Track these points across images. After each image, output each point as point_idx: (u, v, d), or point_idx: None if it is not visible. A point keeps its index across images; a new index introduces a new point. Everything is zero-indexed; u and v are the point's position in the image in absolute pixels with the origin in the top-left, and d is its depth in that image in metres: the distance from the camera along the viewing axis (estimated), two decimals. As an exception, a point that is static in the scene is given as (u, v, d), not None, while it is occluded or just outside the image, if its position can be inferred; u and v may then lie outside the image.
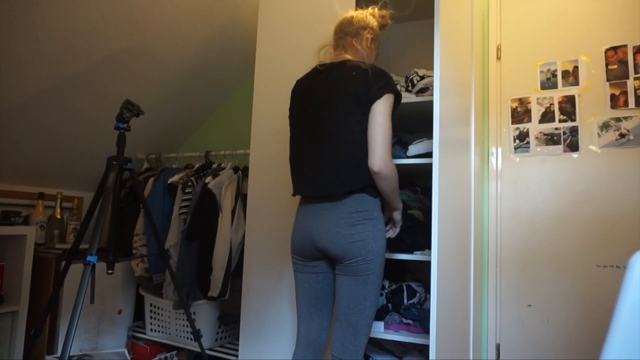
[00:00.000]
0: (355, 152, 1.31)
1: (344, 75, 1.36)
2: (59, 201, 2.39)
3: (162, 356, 2.32)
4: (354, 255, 1.29)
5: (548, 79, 2.07)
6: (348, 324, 1.32)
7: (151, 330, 2.38)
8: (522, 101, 2.11)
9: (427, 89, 1.66)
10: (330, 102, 1.36)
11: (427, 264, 1.37)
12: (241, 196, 2.22)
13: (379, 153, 1.28)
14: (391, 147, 1.33)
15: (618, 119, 1.92)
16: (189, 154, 2.64)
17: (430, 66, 1.47)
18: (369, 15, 1.49)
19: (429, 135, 1.45)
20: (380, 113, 1.30)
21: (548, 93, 2.07)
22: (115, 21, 1.96)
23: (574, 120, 2.00)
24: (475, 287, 1.84)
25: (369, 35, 1.47)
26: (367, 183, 1.32)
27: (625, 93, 1.92)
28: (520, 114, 2.11)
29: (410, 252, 1.58)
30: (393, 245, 1.60)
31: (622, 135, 1.91)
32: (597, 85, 1.97)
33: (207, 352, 2.15)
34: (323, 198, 1.35)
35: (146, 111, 1.84)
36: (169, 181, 2.37)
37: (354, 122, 1.32)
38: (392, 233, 1.52)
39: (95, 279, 1.54)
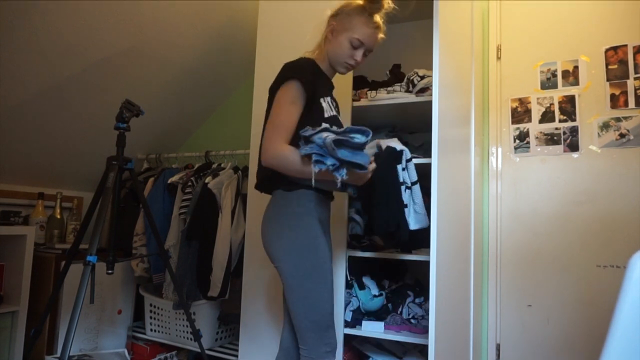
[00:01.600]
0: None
1: None
2: (58, 201, 2.39)
3: (162, 356, 2.32)
4: (268, 255, 1.29)
5: (548, 79, 2.07)
6: (295, 328, 1.28)
7: (151, 330, 2.38)
8: (522, 101, 2.11)
9: (427, 89, 1.66)
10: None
11: (426, 264, 1.37)
12: (241, 196, 2.22)
13: (263, 146, 1.25)
14: (283, 135, 1.24)
15: (618, 119, 1.92)
16: (189, 154, 2.64)
17: (430, 66, 1.47)
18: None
19: (428, 135, 1.45)
20: (275, 103, 1.29)
21: (548, 93, 2.07)
22: (115, 21, 1.96)
23: (574, 120, 2.00)
24: (475, 287, 1.84)
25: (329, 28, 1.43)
26: (273, 178, 1.29)
27: (625, 93, 1.92)
28: (520, 113, 2.11)
29: (409, 252, 1.58)
30: (393, 243, 1.59)
31: (622, 135, 1.91)
32: (597, 85, 1.97)
33: (207, 352, 2.15)
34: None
35: (146, 111, 1.84)
36: (169, 181, 2.37)
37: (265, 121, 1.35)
38: (352, 192, 1.40)
39: (95, 279, 1.54)
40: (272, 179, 1.30)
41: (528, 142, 2.08)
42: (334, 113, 1.37)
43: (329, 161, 1.14)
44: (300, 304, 1.23)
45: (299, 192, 1.27)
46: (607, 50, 1.97)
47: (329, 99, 1.37)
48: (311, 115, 1.28)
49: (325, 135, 1.14)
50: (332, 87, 1.46)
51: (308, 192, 1.27)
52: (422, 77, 1.67)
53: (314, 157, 1.14)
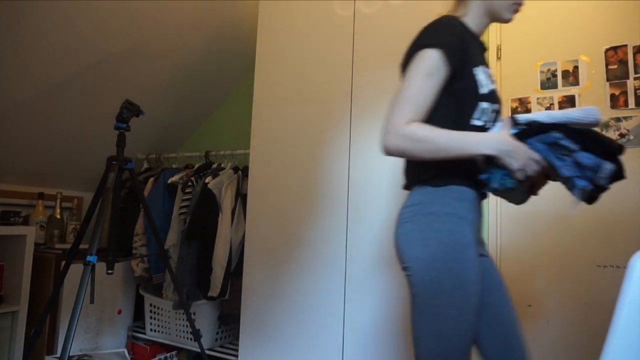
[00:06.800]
0: None
1: None
2: (58, 201, 2.39)
3: (162, 356, 2.32)
4: (399, 259, 1.02)
5: (548, 79, 2.07)
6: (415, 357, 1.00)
7: (151, 330, 2.38)
8: (522, 101, 2.11)
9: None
10: None
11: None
12: (241, 196, 2.22)
13: (382, 130, 0.96)
14: (409, 112, 0.95)
15: (618, 119, 1.92)
16: (189, 154, 2.64)
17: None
18: None
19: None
20: (406, 76, 1.00)
21: (548, 93, 2.07)
22: (115, 21, 1.96)
23: (574, 120, 2.00)
24: (475, 287, 1.84)
25: None
26: (422, 174, 1.03)
27: (625, 93, 1.92)
28: (521, 114, 2.11)
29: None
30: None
31: (622, 135, 1.91)
32: (597, 85, 1.97)
33: (207, 352, 2.15)
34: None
35: (146, 111, 1.84)
36: (169, 181, 2.37)
37: None
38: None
39: (95, 279, 1.54)
40: (413, 171, 1.06)
41: (528, 142, 2.08)
42: (493, 87, 1.09)
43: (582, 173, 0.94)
44: (424, 328, 0.95)
45: (448, 188, 1.01)
46: (607, 50, 1.97)
47: (482, 67, 1.08)
48: (461, 93, 1.02)
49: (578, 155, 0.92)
50: (484, 49, 1.18)
51: (461, 188, 1.01)
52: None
53: (575, 176, 0.93)
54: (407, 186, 1.09)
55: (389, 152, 0.96)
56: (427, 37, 1.01)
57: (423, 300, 0.95)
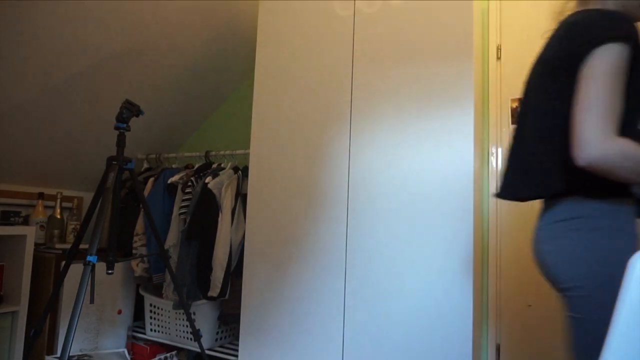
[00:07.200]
0: (547, 141, 0.97)
1: (554, 34, 1.01)
2: (58, 201, 2.39)
3: (162, 356, 2.32)
4: (554, 279, 0.94)
5: (548, 79, 2.07)
6: None
7: (151, 330, 2.38)
8: (522, 101, 2.11)
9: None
10: (533, 76, 1.05)
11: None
12: (241, 196, 2.22)
13: (580, 137, 0.86)
14: (613, 123, 0.86)
15: (618, 119, 1.92)
16: (189, 154, 2.64)
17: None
18: None
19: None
20: (586, 77, 0.88)
21: (548, 93, 2.07)
22: (115, 21, 1.96)
23: (574, 120, 2.01)
24: (475, 287, 1.84)
25: None
26: (573, 182, 0.93)
27: (625, 93, 1.92)
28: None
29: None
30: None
31: (622, 135, 1.91)
32: (597, 85, 1.97)
33: (207, 352, 2.15)
34: (544, 206, 1.04)
35: (146, 111, 1.84)
36: (169, 181, 2.37)
37: (547, 100, 0.98)
38: None
39: (95, 279, 1.54)
40: (560, 179, 0.95)
41: (528, 142, 2.08)
42: None
43: None
44: (583, 353, 0.89)
45: (616, 200, 0.91)
46: (607, 50, 1.97)
47: None
48: (632, 94, 0.91)
49: None
50: None
51: (628, 200, 0.93)
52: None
53: None
54: (548, 196, 0.99)
55: (593, 166, 0.85)
56: (606, 30, 0.89)
57: (595, 327, 0.86)
